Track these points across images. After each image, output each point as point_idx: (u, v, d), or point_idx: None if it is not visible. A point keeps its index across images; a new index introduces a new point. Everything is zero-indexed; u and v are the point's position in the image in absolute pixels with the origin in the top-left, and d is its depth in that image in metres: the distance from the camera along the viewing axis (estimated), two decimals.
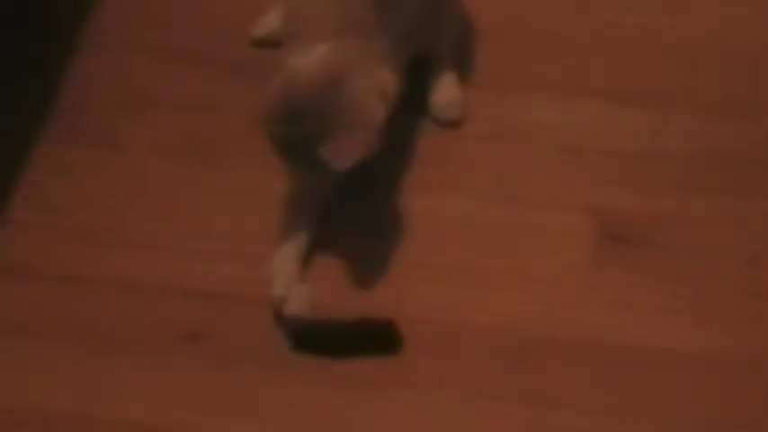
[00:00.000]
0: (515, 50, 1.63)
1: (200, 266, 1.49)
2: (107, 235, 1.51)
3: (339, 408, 1.35)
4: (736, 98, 1.61)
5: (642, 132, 1.60)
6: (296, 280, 1.42)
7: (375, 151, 1.42)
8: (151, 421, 1.35)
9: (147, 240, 1.51)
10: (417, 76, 1.53)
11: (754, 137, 1.58)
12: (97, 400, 1.37)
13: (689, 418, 1.34)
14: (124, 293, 1.47)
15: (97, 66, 1.67)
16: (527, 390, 1.38)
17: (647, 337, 1.41)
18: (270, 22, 1.62)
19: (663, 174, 1.55)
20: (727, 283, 1.46)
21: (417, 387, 1.38)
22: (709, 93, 1.63)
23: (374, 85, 1.43)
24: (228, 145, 1.63)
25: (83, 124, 1.64)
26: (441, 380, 1.39)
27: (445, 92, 1.53)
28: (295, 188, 1.46)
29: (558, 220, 1.53)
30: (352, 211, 1.50)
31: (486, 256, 1.49)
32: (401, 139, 1.52)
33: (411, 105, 1.46)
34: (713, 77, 1.64)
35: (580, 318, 1.43)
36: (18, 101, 1.66)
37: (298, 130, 1.37)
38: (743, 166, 1.55)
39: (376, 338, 1.39)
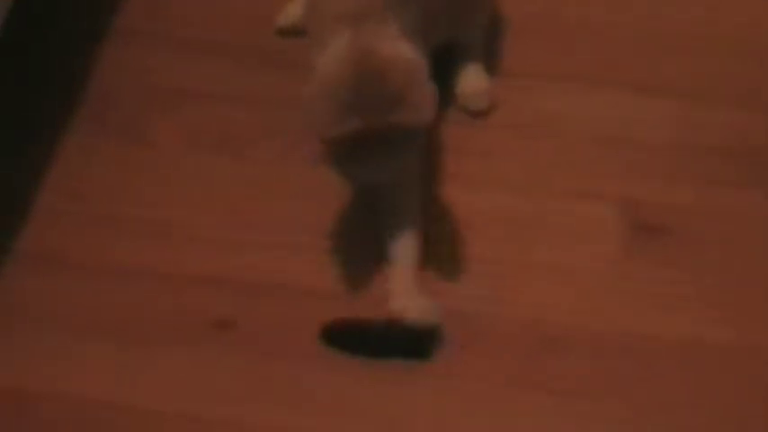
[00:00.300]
0: (543, 41, 1.62)
1: (231, 257, 1.49)
2: (135, 224, 1.52)
3: (367, 397, 1.36)
4: (764, 91, 1.61)
5: (671, 124, 1.60)
6: (413, 292, 1.43)
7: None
8: (178, 409, 1.36)
9: (176, 230, 1.52)
10: (446, 66, 1.52)
11: None
12: (128, 388, 1.39)
13: (717, 409, 1.34)
14: (154, 282, 1.48)
15: (125, 58, 1.68)
16: (554, 380, 1.38)
17: (677, 328, 1.41)
18: (293, 11, 1.61)
19: (691, 165, 1.55)
20: (757, 276, 1.45)
21: (445, 377, 1.39)
22: (738, 85, 1.62)
23: (401, 48, 1.39)
24: (257, 136, 1.62)
25: (112, 116, 1.65)
26: (469, 369, 1.39)
27: (473, 82, 1.53)
28: (361, 199, 1.45)
29: (588, 211, 1.52)
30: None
31: (514, 248, 1.49)
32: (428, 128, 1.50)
33: (439, 95, 1.47)
34: (742, 70, 1.64)
35: (610, 309, 1.43)
36: (48, 94, 1.67)
37: (369, 119, 1.33)
38: None
39: (408, 344, 1.40)
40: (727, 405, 1.36)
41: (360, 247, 1.47)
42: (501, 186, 1.52)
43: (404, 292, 1.42)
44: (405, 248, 1.43)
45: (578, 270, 1.47)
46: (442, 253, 1.46)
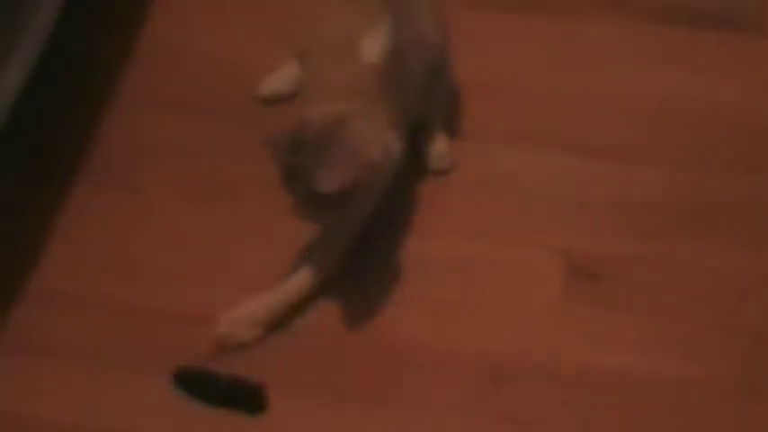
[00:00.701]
0: (497, 107, 1.73)
1: (202, 293, 1.57)
2: (123, 265, 1.61)
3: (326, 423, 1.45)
4: (697, 152, 1.70)
5: (606, 181, 1.68)
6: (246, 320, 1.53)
7: (367, 186, 1.50)
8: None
9: (153, 269, 1.60)
10: (413, 132, 1.64)
11: (712, 185, 1.66)
12: (90, 411, 1.47)
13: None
14: (130, 316, 1.56)
15: (124, 117, 1.77)
16: (503, 409, 1.46)
17: (612, 361, 1.49)
18: (273, 83, 1.75)
19: (624, 218, 1.63)
20: (685, 316, 1.53)
21: (401, 404, 1.46)
22: (665, 148, 1.72)
23: (375, 134, 1.53)
24: (241, 189, 1.70)
25: (112, 169, 1.72)
26: (423, 398, 1.47)
27: (437, 145, 1.67)
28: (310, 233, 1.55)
29: (532, 258, 1.61)
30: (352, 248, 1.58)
31: (466, 290, 1.57)
32: (397, 184, 1.61)
33: (406, 156, 1.59)
34: (670, 134, 1.73)
35: (551, 344, 1.51)
36: (55, 148, 1.75)
37: (299, 158, 1.48)
38: (702, 213, 1.63)
39: (247, 398, 1.49)
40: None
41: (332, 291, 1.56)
42: (456, 235, 1.62)
43: (237, 316, 1.52)
44: (289, 280, 1.54)
45: (523, 310, 1.55)
46: (401, 295, 1.55)
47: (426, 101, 1.67)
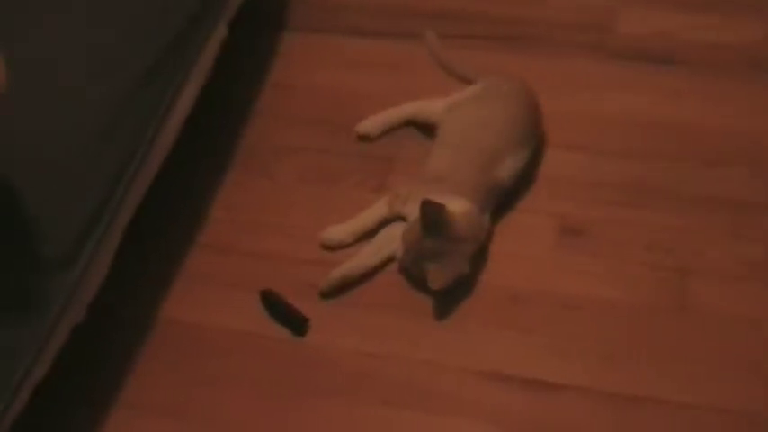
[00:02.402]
0: None
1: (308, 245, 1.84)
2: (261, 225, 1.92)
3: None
4: (649, 149, 1.93)
5: (589, 169, 1.94)
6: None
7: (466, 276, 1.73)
8: None
9: (282, 226, 1.89)
10: None
11: (658, 172, 1.91)
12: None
13: (605, 341, 1.72)
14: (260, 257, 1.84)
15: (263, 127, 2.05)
16: (515, 320, 1.74)
17: (592, 292, 1.78)
18: (337, 236, 1.87)
19: (602, 194, 1.90)
20: (641, 261, 1.81)
21: (449, 320, 1.74)
22: (633, 146, 1.96)
23: (477, 228, 1.72)
24: (338, 174, 1.98)
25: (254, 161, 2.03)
26: (462, 314, 1.74)
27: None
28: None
29: (534, 220, 1.88)
30: None
31: (489, 243, 1.83)
32: None
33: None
34: (637, 137, 1.97)
35: (548, 279, 1.81)
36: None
37: (423, 241, 1.69)
38: (650, 191, 1.89)
39: (295, 322, 1.76)
40: (608, 339, 1.70)
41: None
42: None
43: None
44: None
45: (529, 256, 1.84)
46: None
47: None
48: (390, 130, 2.00)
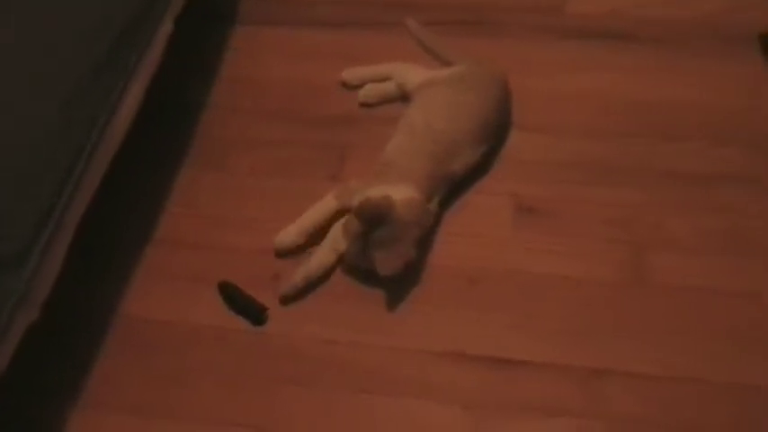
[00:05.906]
0: None
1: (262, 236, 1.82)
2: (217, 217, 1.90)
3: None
4: (604, 128, 1.96)
5: (543, 149, 1.96)
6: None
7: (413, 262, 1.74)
8: None
9: (237, 220, 1.88)
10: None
11: (613, 150, 1.93)
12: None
13: (565, 317, 1.74)
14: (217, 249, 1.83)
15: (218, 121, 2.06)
16: (474, 301, 1.76)
17: (546, 269, 1.80)
18: (287, 239, 1.85)
19: (556, 173, 1.93)
20: (595, 236, 1.84)
21: (411, 302, 1.76)
22: (587, 125, 1.98)
23: (423, 214, 1.72)
24: (291, 166, 1.97)
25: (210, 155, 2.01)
26: (421, 296, 1.77)
27: None
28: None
29: (490, 200, 1.89)
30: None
31: (445, 222, 1.86)
32: None
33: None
34: (592, 117, 1.99)
35: (509, 257, 1.83)
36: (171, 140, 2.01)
37: (370, 234, 1.70)
38: (606, 169, 1.92)
39: (253, 312, 1.78)
40: (571, 312, 1.72)
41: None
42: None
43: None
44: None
45: (486, 235, 1.86)
46: None
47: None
48: (369, 82, 2.06)
